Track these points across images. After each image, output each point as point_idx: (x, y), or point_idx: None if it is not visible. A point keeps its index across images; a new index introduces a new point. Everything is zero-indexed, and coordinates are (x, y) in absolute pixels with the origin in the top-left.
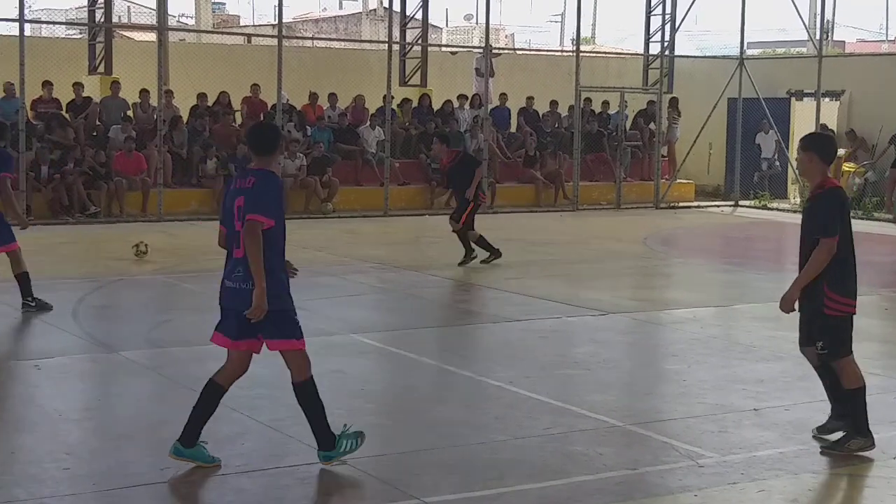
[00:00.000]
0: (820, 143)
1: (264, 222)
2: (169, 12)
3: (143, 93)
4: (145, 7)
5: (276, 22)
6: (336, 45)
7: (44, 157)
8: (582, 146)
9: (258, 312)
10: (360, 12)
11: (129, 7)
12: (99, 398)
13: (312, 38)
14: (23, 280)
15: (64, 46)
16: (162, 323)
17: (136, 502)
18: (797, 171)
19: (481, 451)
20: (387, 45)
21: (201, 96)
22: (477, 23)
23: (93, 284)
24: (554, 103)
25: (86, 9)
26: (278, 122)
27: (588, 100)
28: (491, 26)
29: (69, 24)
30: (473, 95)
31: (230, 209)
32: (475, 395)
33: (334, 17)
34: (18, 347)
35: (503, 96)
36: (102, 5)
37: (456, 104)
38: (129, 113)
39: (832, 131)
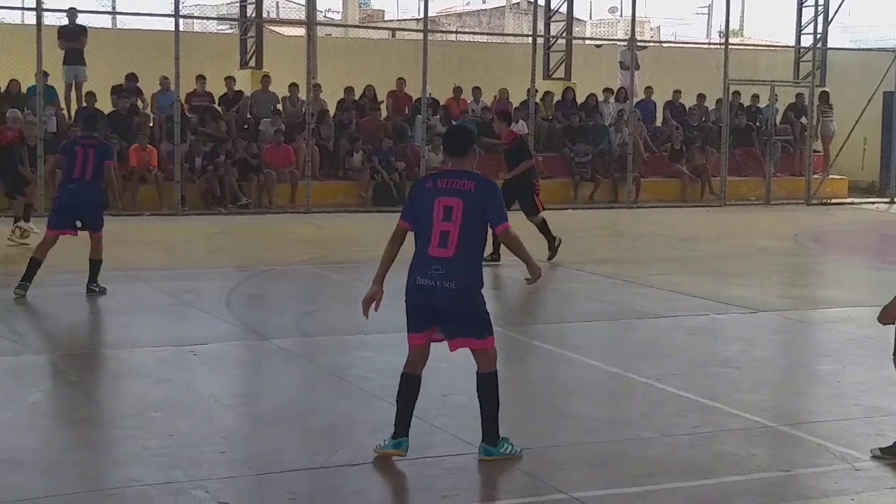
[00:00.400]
0: None
1: (510, 226)
2: (316, 8)
3: (292, 87)
4: (294, 2)
5: (420, 16)
6: (480, 38)
7: (197, 149)
8: (730, 140)
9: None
10: (504, 5)
11: (277, 2)
12: (252, 384)
13: (456, 32)
14: (94, 266)
15: (216, 41)
16: (310, 312)
17: (289, 487)
18: None
19: (629, 448)
20: (531, 38)
21: (348, 90)
22: (621, 15)
23: (245, 274)
24: (701, 97)
25: (237, 4)
26: (423, 115)
27: (737, 93)
28: (636, 19)
29: (221, 19)
30: (619, 89)
31: (430, 207)
32: (621, 391)
33: (477, 10)
34: (176, 333)
35: (648, 90)
36: (253, 1)
37: (601, 98)
38: (279, 106)
39: None
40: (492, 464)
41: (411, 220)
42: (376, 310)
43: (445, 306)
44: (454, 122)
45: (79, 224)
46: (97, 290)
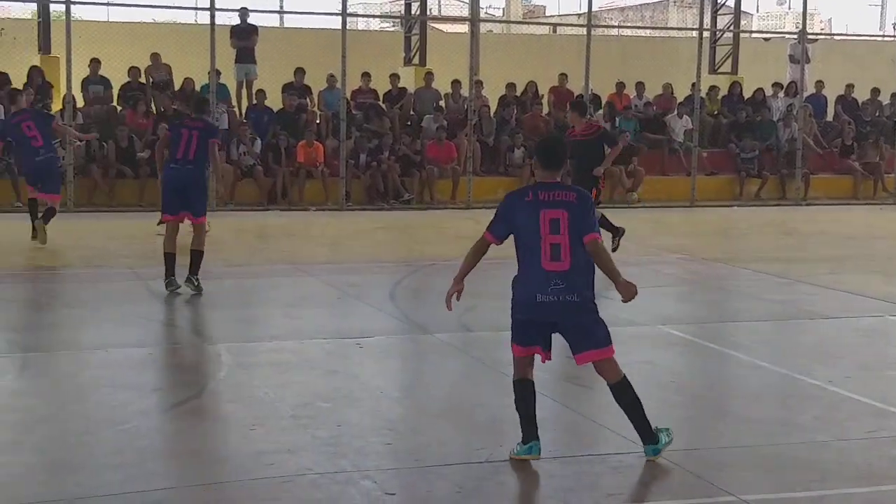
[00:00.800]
0: None
1: (600, 238)
2: (479, 4)
3: (455, 83)
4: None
5: (581, 12)
6: (643, 33)
7: (362, 145)
8: None
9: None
10: None
11: (439, 0)
12: (416, 378)
13: (618, 27)
14: (195, 257)
15: (381, 39)
16: (472, 307)
17: (454, 480)
18: None
19: (800, 452)
20: (697, 32)
21: (509, 86)
22: (790, 8)
23: (408, 268)
24: (875, 91)
25: (400, 2)
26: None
27: None
28: (806, 11)
29: (387, 17)
30: (789, 83)
31: (535, 221)
32: (791, 394)
33: (640, 4)
34: (342, 326)
35: (819, 84)
36: None
37: (769, 92)
38: (441, 103)
39: None
40: (658, 464)
41: (502, 234)
42: (458, 300)
43: (568, 320)
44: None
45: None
46: (196, 283)
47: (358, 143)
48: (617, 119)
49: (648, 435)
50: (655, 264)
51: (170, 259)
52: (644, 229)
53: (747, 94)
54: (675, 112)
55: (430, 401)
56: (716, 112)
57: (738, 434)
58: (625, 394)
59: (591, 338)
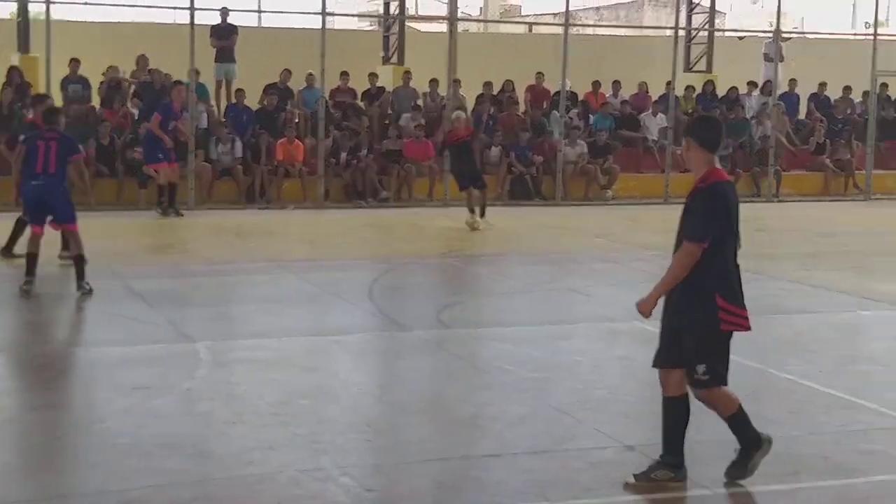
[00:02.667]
0: (699, 128)
1: None
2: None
3: (432, 82)
4: None
5: (557, 10)
6: (618, 32)
7: (343, 143)
8: (877, 134)
9: None
10: None
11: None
12: (395, 374)
13: (594, 26)
14: (78, 262)
15: (359, 38)
16: (450, 304)
17: (434, 476)
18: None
19: (775, 445)
20: (672, 31)
21: (486, 85)
22: (762, 7)
23: (386, 266)
24: (847, 89)
25: (378, 2)
26: (560, 110)
27: (885, 85)
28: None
29: (366, 16)
30: (765, 82)
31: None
32: (766, 389)
33: (615, 4)
34: (321, 323)
35: (793, 82)
36: None
37: (743, 90)
38: (419, 102)
39: None
40: (635, 457)
41: None
42: None
43: None
44: (592, 115)
45: (49, 218)
46: (87, 288)
47: (338, 142)
48: (591, 117)
49: None
50: (630, 261)
51: (32, 259)
52: (619, 226)
53: (721, 92)
54: (650, 110)
55: (408, 397)
56: (690, 110)
57: (713, 428)
58: None
59: None
